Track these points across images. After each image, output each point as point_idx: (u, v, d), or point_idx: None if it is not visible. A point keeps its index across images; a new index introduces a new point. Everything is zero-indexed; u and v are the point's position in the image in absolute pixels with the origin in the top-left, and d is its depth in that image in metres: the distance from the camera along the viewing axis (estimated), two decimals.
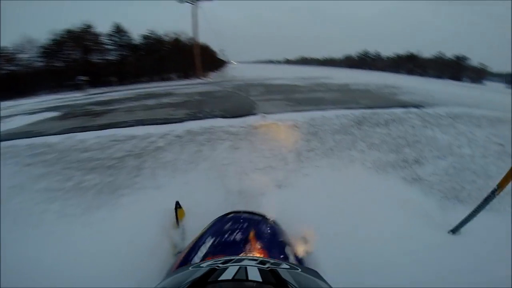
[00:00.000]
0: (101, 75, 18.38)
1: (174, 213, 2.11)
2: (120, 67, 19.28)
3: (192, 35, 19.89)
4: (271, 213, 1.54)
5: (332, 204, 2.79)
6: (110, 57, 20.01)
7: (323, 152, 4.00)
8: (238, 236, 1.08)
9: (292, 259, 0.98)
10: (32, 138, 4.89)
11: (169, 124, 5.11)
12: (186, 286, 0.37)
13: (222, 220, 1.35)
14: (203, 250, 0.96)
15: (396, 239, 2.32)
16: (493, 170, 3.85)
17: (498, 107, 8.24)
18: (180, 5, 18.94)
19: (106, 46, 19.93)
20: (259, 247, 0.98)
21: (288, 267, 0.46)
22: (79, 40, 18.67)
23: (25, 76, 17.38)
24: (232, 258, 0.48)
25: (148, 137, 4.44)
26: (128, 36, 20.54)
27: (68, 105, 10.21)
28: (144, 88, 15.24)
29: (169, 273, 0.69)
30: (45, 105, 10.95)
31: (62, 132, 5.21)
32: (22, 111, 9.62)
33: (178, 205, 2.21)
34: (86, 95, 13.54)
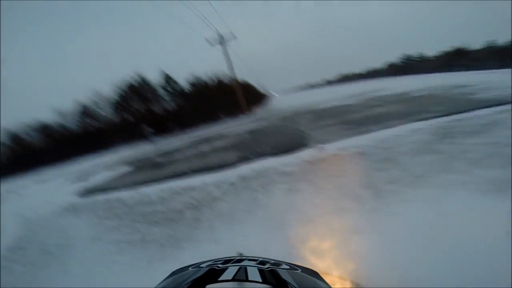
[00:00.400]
0: (163, 124, 20.88)
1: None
2: (178, 114, 21.61)
3: (230, 74, 20.91)
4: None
5: (439, 250, 2.00)
6: (167, 106, 22.40)
7: (410, 181, 3.14)
8: None
9: None
10: (109, 193, 5.69)
11: (222, 171, 5.04)
12: (186, 286, 0.36)
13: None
14: None
15: None
16: None
17: None
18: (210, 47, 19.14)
19: (162, 96, 22.58)
20: None
21: (288, 267, 0.45)
22: (139, 92, 21.72)
23: (104, 131, 20.88)
24: (232, 258, 0.47)
25: (204, 187, 4.39)
26: (178, 84, 23.02)
27: (139, 159, 11.58)
28: (199, 133, 16.52)
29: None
30: (121, 159, 12.96)
31: (133, 186, 5.81)
32: (103, 166, 11.56)
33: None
34: (154, 147, 15.32)
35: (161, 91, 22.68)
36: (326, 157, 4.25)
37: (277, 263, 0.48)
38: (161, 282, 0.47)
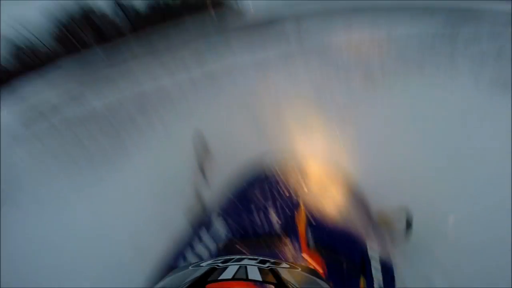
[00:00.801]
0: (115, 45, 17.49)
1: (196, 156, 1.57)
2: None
3: None
4: None
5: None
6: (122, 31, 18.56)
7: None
8: (276, 207, 0.76)
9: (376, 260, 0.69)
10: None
11: None
12: (186, 286, 0.36)
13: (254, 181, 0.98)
14: (215, 225, 0.75)
15: None
16: None
17: None
18: None
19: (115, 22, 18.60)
20: (313, 235, 0.69)
21: (288, 266, 0.44)
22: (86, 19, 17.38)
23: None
24: (232, 257, 0.46)
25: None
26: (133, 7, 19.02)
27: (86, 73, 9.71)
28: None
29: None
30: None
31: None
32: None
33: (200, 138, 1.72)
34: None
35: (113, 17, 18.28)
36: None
37: (277, 262, 0.45)
38: (160, 282, 0.44)
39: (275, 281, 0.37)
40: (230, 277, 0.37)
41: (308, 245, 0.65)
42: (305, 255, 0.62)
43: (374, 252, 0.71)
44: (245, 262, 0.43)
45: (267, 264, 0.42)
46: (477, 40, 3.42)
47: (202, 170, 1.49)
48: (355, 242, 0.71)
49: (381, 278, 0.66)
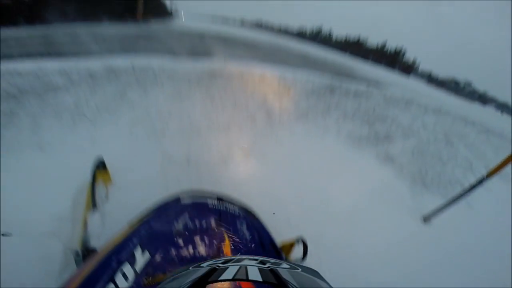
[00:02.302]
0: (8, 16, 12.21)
1: (90, 183, 1.31)
2: (34, 6, 13.08)
3: None
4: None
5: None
6: None
7: (298, 115, 3.23)
8: (201, 241, 0.74)
9: None
10: None
11: (81, 58, 3.37)
12: (187, 286, 0.36)
13: (170, 207, 0.96)
14: (140, 260, 0.67)
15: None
16: (445, 156, 3.92)
17: (433, 99, 9.17)
18: None
19: None
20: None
21: (288, 266, 0.44)
22: None
23: None
24: (233, 258, 0.46)
25: (37, 72, 2.75)
26: None
27: None
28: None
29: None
30: None
31: None
32: None
33: (100, 165, 1.44)
34: None
35: None
36: (228, 72, 3.71)
37: (277, 263, 0.46)
38: (161, 283, 0.44)
39: (275, 281, 0.37)
40: (230, 277, 0.37)
41: None
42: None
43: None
44: (245, 262, 0.43)
45: (267, 265, 0.43)
46: (346, 97, 4.69)
47: (94, 198, 1.28)
48: None
49: None
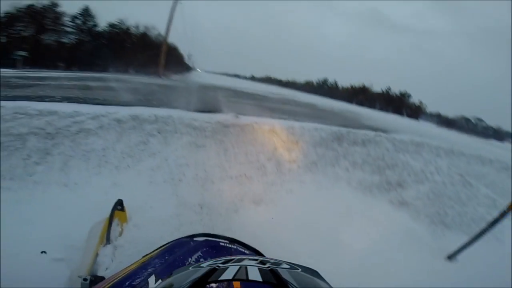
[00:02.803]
0: (46, 56, 15.01)
1: (107, 220, 1.42)
2: (72, 52, 15.98)
3: (164, 32, 17.87)
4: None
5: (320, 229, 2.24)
6: (64, 40, 16.55)
7: (306, 164, 3.36)
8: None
9: None
10: None
11: (110, 106, 3.83)
12: (187, 286, 0.36)
13: (184, 244, 0.99)
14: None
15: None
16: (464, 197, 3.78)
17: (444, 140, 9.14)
18: None
19: (65, 28, 16.55)
20: None
21: (288, 267, 0.44)
22: (37, 17, 15.26)
23: None
24: (233, 258, 0.47)
25: (73, 115, 3.12)
26: (94, 22, 17.55)
27: None
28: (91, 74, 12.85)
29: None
30: None
31: None
32: None
33: (118, 206, 1.55)
34: (18, 71, 10.68)
35: (67, 23, 16.22)
36: (240, 124, 4.02)
37: (277, 263, 0.46)
38: (162, 283, 0.47)
39: (275, 282, 0.37)
40: (230, 277, 0.37)
41: None
42: None
43: None
44: (245, 262, 0.43)
45: (267, 265, 0.43)
46: (354, 145, 4.81)
47: (109, 234, 1.37)
48: None
49: None
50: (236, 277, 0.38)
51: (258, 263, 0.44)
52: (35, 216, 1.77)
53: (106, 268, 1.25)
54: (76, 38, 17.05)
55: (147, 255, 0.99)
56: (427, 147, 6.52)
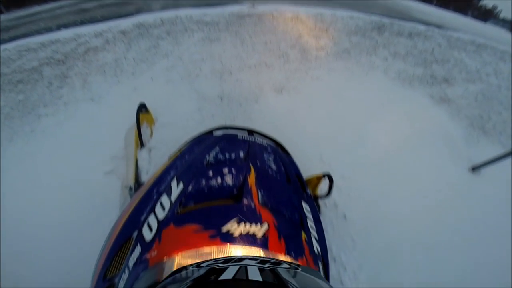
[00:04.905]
0: None
1: (136, 125, 1.41)
2: None
3: None
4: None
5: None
6: None
7: (336, 52, 2.90)
8: (229, 172, 0.75)
9: (310, 216, 0.80)
10: None
11: (110, 21, 3.47)
12: (187, 286, 0.36)
13: (203, 140, 1.00)
14: (175, 191, 0.71)
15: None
16: None
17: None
18: None
19: None
20: (263, 195, 0.72)
21: (288, 266, 0.43)
22: None
23: None
24: (232, 257, 0.46)
25: (76, 38, 2.95)
26: None
27: None
28: None
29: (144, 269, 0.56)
30: None
31: None
32: None
33: (142, 109, 1.53)
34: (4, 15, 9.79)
35: None
36: (257, 14, 3.46)
37: (277, 262, 0.45)
38: (161, 282, 0.43)
39: (275, 281, 0.37)
40: (230, 277, 0.37)
41: (259, 202, 0.69)
42: (258, 210, 0.67)
43: (307, 210, 0.81)
44: (245, 262, 0.43)
45: (267, 265, 0.43)
46: (398, 36, 4.02)
47: (141, 138, 1.43)
48: (293, 203, 0.79)
49: (315, 231, 0.77)
50: (236, 277, 0.37)
51: (258, 263, 0.43)
52: (79, 132, 1.86)
53: (147, 172, 1.34)
54: None
55: (172, 156, 1.00)
56: (490, 50, 5.36)
